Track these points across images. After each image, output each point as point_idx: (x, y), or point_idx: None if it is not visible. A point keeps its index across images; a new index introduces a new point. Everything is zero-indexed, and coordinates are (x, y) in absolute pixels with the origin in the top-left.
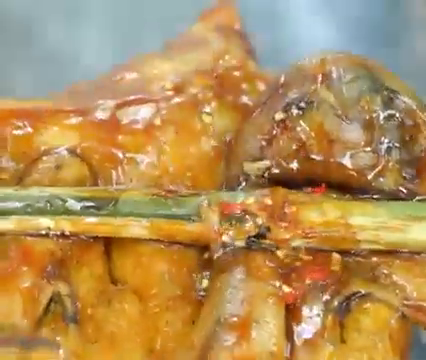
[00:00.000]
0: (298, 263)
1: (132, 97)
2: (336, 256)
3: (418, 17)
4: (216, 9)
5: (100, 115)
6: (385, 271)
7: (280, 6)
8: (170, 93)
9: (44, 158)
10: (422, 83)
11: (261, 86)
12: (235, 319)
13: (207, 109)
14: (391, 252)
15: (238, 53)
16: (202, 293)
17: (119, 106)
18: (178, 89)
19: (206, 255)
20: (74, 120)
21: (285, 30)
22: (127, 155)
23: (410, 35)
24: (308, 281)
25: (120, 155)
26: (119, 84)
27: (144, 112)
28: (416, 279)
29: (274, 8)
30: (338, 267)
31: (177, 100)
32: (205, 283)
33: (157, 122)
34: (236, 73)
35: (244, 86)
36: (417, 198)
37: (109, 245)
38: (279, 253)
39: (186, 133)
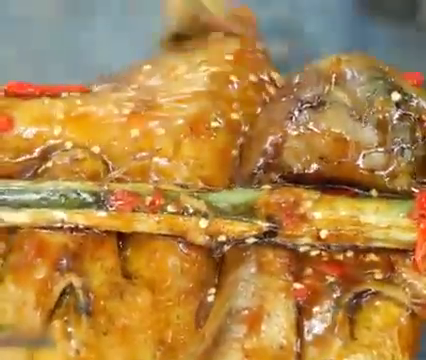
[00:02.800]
0: (309, 260)
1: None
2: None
3: None
4: (233, 14)
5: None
6: (396, 269)
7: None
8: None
9: (60, 152)
10: None
11: (276, 88)
12: (246, 312)
13: (222, 108)
14: (402, 250)
15: (255, 57)
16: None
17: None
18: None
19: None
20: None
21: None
22: (142, 152)
23: None
24: (319, 278)
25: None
26: (139, 85)
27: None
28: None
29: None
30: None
31: (193, 100)
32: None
33: (172, 120)
34: (252, 74)
35: (260, 87)
36: None
37: (123, 239)
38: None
39: (200, 130)
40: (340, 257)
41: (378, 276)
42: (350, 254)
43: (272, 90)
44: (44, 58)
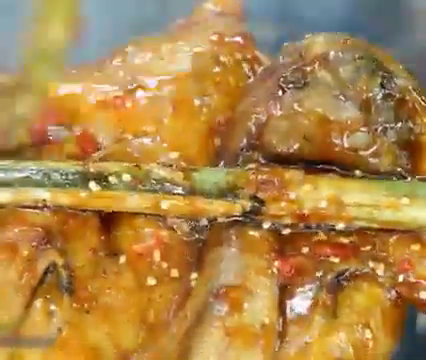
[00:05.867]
0: (292, 239)
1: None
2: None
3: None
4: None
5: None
6: (379, 249)
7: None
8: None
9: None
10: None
11: (260, 69)
12: (228, 290)
13: (206, 87)
14: (385, 230)
15: (239, 38)
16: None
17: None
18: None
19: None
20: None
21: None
22: (125, 132)
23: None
24: (302, 257)
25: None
26: (122, 66)
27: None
28: (410, 257)
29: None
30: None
31: (176, 80)
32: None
33: (156, 100)
34: (236, 55)
35: (244, 67)
36: (411, 177)
37: (106, 218)
38: (273, 228)
39: (184, 110)
40: (323, 237)
41: (361, 256)
42: (334, 234)
43: (256, 70)
44: None
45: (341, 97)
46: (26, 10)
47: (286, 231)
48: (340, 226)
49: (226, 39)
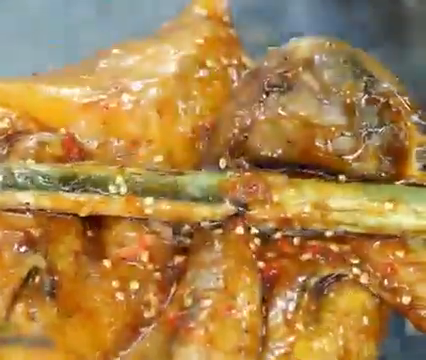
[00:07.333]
0: (275, 243)
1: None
2: None
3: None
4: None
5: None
6: (363, 254)
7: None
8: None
9: (27, 134)
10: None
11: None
12: (211, 295)
13: (191, 91)
14: (369, 235)
15: (225, 41)
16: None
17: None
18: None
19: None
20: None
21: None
22: (110, 135)
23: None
24: (285, 261)
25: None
26: (108, 68)
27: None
28: (393, 262)
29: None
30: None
31: (161, 83)
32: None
33: (140, 103)
34: (222, 59)
35: (229, 71)
36: (395, 182)
37: (89, 221)
38: (257, 233)
39: (168, 114)
40: (306, 241)
41: (345, 261)
42: (317, 238)
43: (242, 74)
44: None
45: (325, 101)
46: None
47: (270, 235)
48: (324, 231)
49: (212, 43)
